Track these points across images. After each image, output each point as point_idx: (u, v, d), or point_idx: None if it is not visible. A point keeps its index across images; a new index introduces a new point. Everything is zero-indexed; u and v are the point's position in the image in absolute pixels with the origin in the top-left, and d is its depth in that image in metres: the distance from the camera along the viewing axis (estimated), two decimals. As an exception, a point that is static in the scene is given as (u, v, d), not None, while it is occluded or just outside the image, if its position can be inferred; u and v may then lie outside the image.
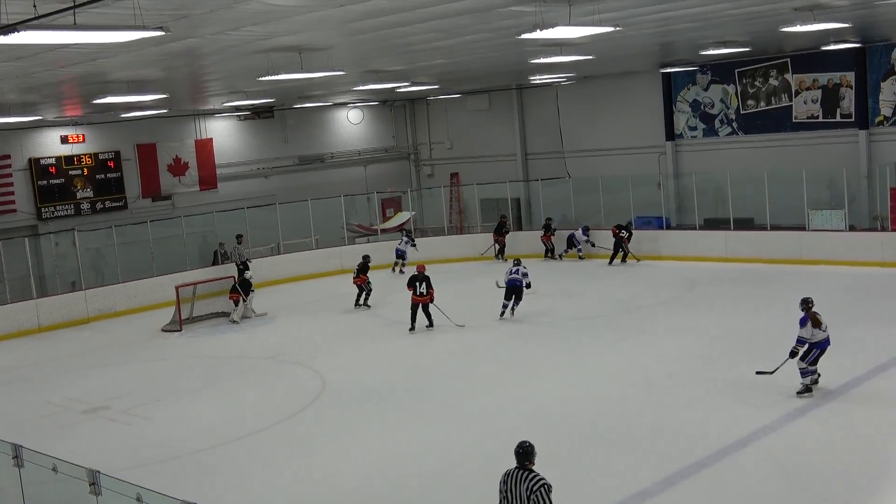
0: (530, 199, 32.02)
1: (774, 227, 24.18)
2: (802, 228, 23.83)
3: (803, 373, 12.51)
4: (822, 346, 12.40)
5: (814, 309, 12.46)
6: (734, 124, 28.84)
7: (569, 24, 11.78)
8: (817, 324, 12.32)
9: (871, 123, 26.08)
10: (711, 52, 22.33)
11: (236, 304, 21.38)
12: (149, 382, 16.66)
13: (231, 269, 24.02)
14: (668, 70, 28.53)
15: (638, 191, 27.42)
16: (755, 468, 10.41)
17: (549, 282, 22.67)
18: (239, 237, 25.41)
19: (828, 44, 22.99)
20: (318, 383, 15.37)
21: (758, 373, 13.16)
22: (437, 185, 33.89)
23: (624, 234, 25.20)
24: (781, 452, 10.77)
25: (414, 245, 26.76)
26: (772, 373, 12.90)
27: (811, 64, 26.83)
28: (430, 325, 18.65)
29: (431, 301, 18.60)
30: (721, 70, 28.58)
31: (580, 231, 26.45)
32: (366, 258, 22.22)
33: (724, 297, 20.17)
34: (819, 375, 12.56)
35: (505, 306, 19.29)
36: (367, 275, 21.96)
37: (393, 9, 10.70)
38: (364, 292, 21.89)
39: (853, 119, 26.37)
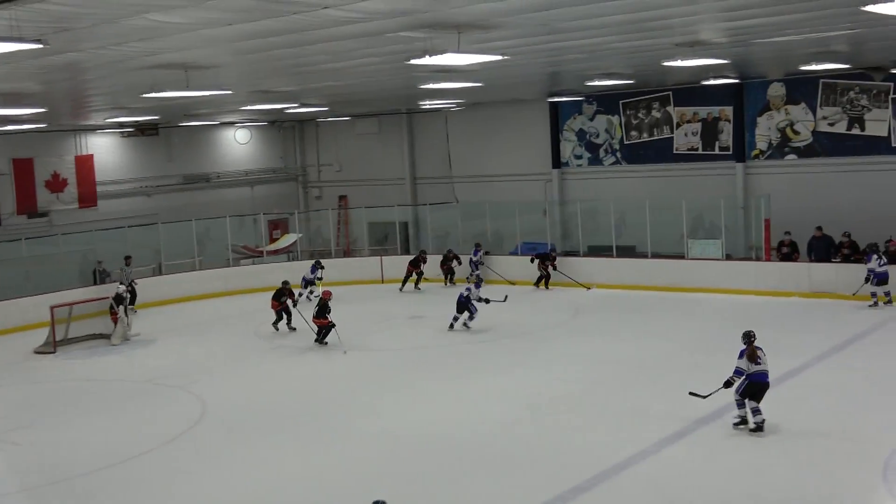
0: (418, 223, 32.19)
1: (655, 255, 24.91)
2: (682, 257, 24.62)
3: (737, 404, 12.49)
4: (755, 378, 12.24)
5: (755, 343, 12.43)
6: (618, 154, 29.64)
7: (458, 51, 11.95)
8: (753, 358, 12.27)
9: (748, 157, 27.18)
10: (597, 83, 22.95)
11: (115, 325, 20.79)
12: (20, 406, 16.04)
13: (111, 289, 23.36)
14: (556, 99, 29.18)
15: (524, 217, 27.88)
16: (633, 492, 10.66)
17: (436, 305, 22.80)
18: (127, 259, 24.73)
19: (708, 79, 23.88)
20: (199, 407, 15.07)
21: (691, 394, 13.08)
22: (325, 207, 33.77)
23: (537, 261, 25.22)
24: (660, 476, 11.05)
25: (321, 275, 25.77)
26: (705, 397, 12.89)
27: (692, 97, 27.83)
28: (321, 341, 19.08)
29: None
30: (606, 101, 29.37)
31: (473, 253, 26.42)
32: (285, 283, 21.40)
33: (608, 322, 20.63)
34: (761, 415, 12.29)
35: (456, 318, 20.18)
36: (284, 299, 21.07)
37: (282, 29, 10.67)
38: (284, 316, 21.10)
39: (731, 152, 27.44)
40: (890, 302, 20.30)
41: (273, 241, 30.85)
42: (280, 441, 13.14)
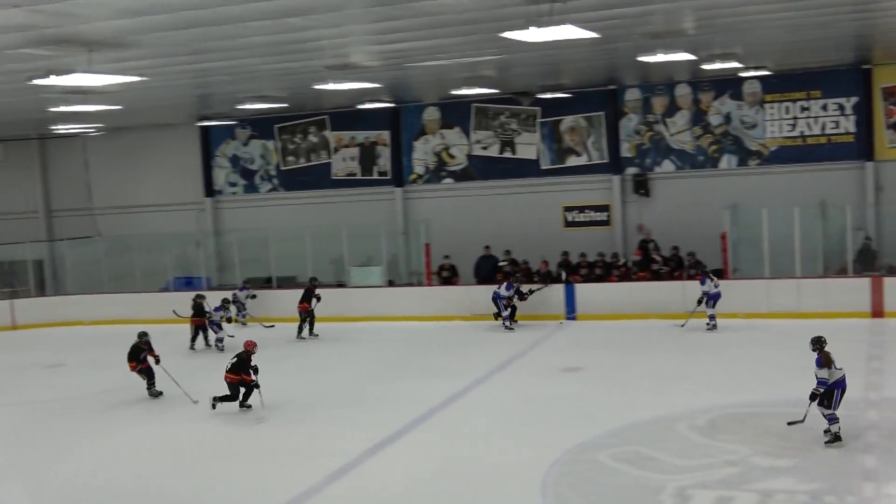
0: (55, 260, 30.46)
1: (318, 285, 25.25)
2: (343, 285, 25.18)
3: (829, 419, 12.19)
4: (841, 385, 12.15)
5: (826, 349, 12.22)
6: (275, 181, 29.84)
7: (89, 71, 11.55)
8: (830, 363, 12.06)
9: (406, 181, 28.39)
10: (248, 106, 23.01)
11: None
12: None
13: None
14: (206, 123, 28.87)
15: (177, 250, 27.29)
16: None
17: (76, 353, 21.69)
18: None
19: (363, 103, 24.72)
20: None
21: (790, 423, 12.55)
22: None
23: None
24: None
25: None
26: (802, 420, 12.39)
27: (349, 122, 28.66)
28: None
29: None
30: (260, 125, 29.50)
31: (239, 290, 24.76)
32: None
33: (265, 360, 20.35)
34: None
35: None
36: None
37: None
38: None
39: (390, 177, 28.53)
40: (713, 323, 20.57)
41: None
42: None
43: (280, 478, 12.42)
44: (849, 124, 24.53)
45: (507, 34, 11.88)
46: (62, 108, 19.05)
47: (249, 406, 15.61)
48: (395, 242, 27.17)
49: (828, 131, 24.72)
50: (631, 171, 26.36)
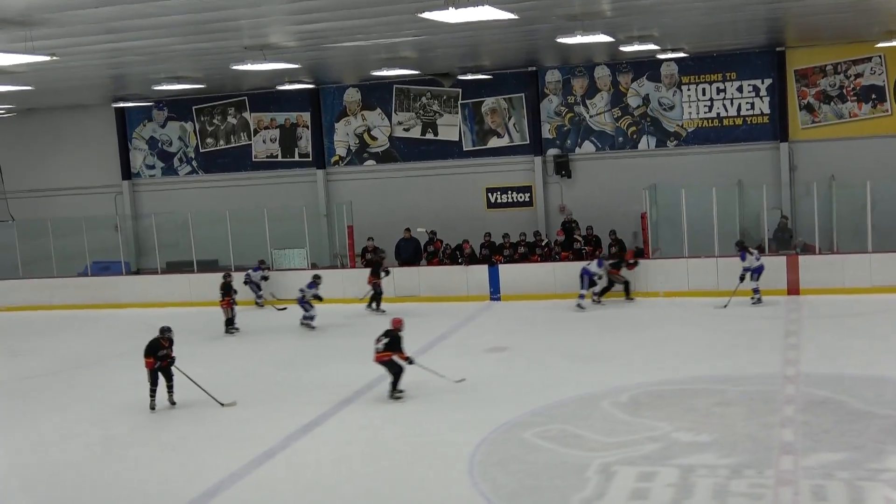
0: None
1: (239, 269, 24.85)
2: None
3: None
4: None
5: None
6: (194, 163, 29.33)
7: (-5, 50, 11.15)
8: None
9: (328, 163, 28.13)
10: (165, 87, 22.51)
11: None
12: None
13: None
14: (123, 105, 28.21)
15: (94, 234, 26.64)
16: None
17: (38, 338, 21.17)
18: None
19: (283, 84, 24.36)
20: None
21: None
22: None
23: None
24: (249, 498, 11.06)
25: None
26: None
27: (269, 103, 28.29)
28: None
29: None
30: (178, 107, 28.95)
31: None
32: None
33: (189, 345, 20.17)
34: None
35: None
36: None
37: None
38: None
39: (311, 158, 28.24)
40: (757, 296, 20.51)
41: None
42: None
43: (207, 463, 12.26)
44: (764, 106, 24.95)
45: (426, 14, 11.75)
46: (-30, 90, 18.42)
47: (402, 393, 14.53)
48: (318, 224, 26.91)
49: (744, 112, 25.12)
50: (552, 152, 26.48)
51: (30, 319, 24.24)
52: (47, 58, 12.41)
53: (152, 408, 14.77)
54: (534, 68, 26.20)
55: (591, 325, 19.55)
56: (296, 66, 19.60)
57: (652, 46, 20.89)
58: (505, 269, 22.98)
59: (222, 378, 16.47)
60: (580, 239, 23.52)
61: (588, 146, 26.30)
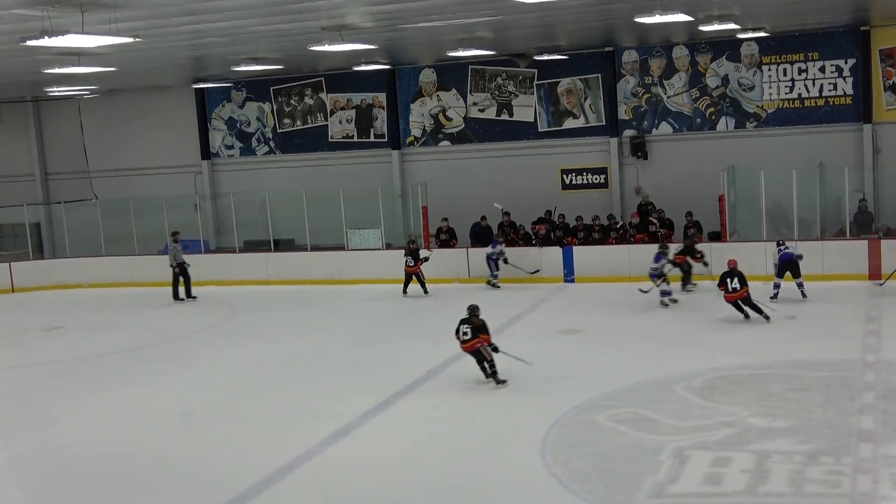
0: (52, 223, 30.37)
1: (315, 248, 25.20)
2: (342, 248, 25.11)
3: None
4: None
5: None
6: (271, 143, 29.67)
7: (82, 31, 11.39)
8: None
9: (403, 144, 28.23)
10: (244, 68, 22.78)
11: None
12: None
13: None
14: (202, 86, 28.62)
15: (174, 213, 27.13)
16: (297, 493, 10.75)
17: (74, 316, 21.72)
18: None
19: (359, 64, 24.47)
20: None
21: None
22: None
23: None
24: (323, 475, 11.22)
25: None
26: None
27: (345, 84, 28.45)
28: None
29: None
30: (256, 87, 29.28)
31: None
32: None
33: (266, 321, 20.58)
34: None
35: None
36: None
37: None
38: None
39: (386, 139, 28.37)
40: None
41: None
42: None
43: (283, 439, 12.45)
44: (846, 86, 24.37)
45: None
46: (56, 70, 18.83)
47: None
48: (392, 205, 27.06)
49: (826, 93, 24.56)
50: (628, 133, 26.21)
51: (112, 296, 24.84)
52: (130, 39, 12.66)
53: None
54: (610, 48, 25.94)
55: (665, 309, 19.37)
56: (372, 46, 19.68)
57: (732, 26, 20.51)
58: (579, 251, 22.87)
59: (298, 353, 16.75)
60: (655, 221, 23.28)
61: (665, 127, 25.98)
